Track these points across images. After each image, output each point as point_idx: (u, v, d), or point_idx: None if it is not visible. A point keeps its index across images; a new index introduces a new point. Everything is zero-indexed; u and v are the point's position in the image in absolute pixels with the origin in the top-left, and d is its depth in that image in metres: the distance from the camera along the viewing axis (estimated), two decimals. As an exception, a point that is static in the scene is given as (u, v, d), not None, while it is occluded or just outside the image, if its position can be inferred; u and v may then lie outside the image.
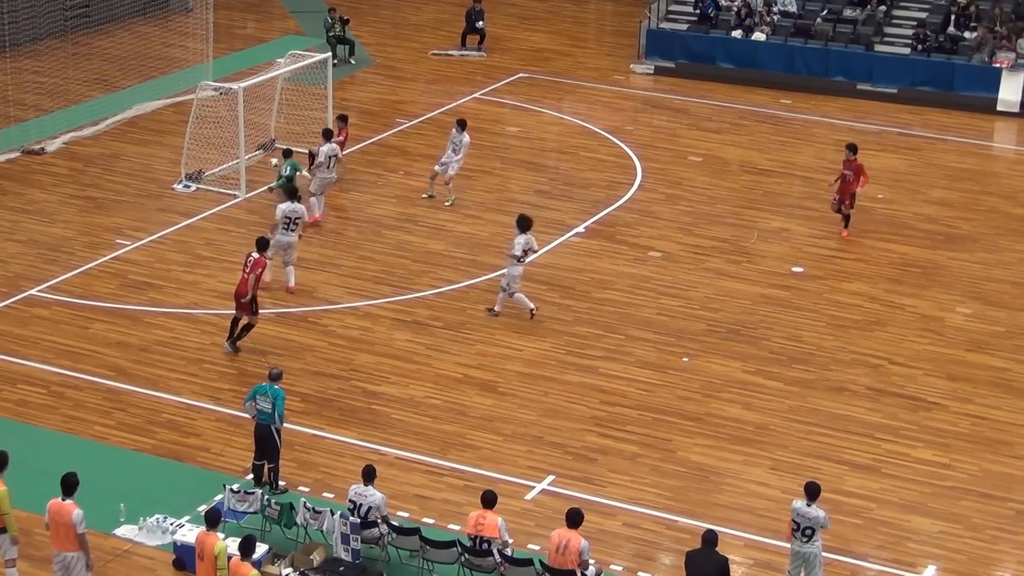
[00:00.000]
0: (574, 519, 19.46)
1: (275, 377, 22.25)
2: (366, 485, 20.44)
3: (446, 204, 33.37)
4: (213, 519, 18.79)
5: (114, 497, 21.74)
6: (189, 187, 33.67)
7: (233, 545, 18.81)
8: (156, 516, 21.36)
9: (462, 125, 33.77)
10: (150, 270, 30.00)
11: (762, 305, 29.13)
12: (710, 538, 18.95)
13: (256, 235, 30.84)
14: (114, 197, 33.63)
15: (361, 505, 20.30)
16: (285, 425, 22.51)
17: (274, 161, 33.92)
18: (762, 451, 24.08)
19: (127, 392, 25.41)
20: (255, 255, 26.61)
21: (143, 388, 25.53)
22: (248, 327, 26.78)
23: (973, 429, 25.06)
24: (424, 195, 33.79)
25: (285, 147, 33.82)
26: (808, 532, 19.76)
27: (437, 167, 33.72)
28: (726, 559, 18.91)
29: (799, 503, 19.86)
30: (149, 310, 28.35)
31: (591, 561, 19.71)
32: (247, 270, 26.44)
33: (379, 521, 20.25)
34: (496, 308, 28.30)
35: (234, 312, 26.73)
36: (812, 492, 19.83)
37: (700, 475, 23.44)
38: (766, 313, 28.79)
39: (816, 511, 19.74)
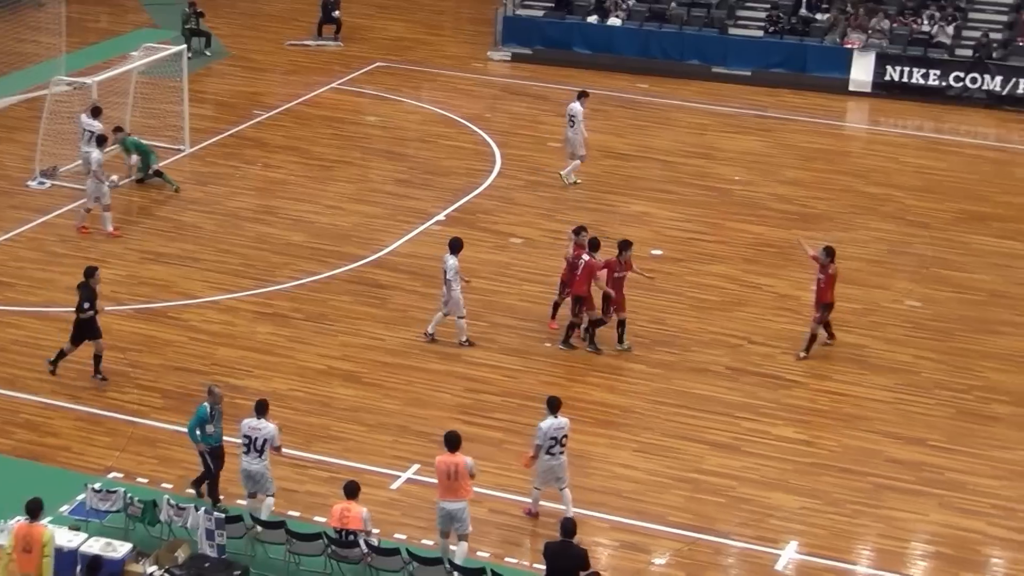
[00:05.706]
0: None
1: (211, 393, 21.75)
2: (259, 418, 20.75)
3: (575, 182, 34.44)
4: (35, 509, 18.62)
5: (-28, 501, 21.38)
6: (44, 183, 33.13)
7: (58, 534, 18.93)
8: (17, 518, 20.99)
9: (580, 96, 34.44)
10: (3, 268, 29.48)
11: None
12: (568, 528, 18.92)
13: (124, 231, 30.43)
14: (-34, 195, 33.09)
15: (256, 439, 20.63)
16: (147, 423, 22.30)
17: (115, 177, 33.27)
18: (627, 434, 24.26)
19: (-17, 393, 25.03)
20: (585, 257, 26.57)
21: None
22: (595, 323, 26.91)
23: (832, 405, 25.46)
24: (569, 181, 34.46)
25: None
26: (564, 441, 20.89)
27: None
28: (585, 551, 18.96)
29: (549, 421, 20.85)
30: (3, 309, 27.86)
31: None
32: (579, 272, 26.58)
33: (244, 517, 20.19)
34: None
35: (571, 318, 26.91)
36: (556, 404, 21.06)
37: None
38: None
39: (564, 418, 21.10)
